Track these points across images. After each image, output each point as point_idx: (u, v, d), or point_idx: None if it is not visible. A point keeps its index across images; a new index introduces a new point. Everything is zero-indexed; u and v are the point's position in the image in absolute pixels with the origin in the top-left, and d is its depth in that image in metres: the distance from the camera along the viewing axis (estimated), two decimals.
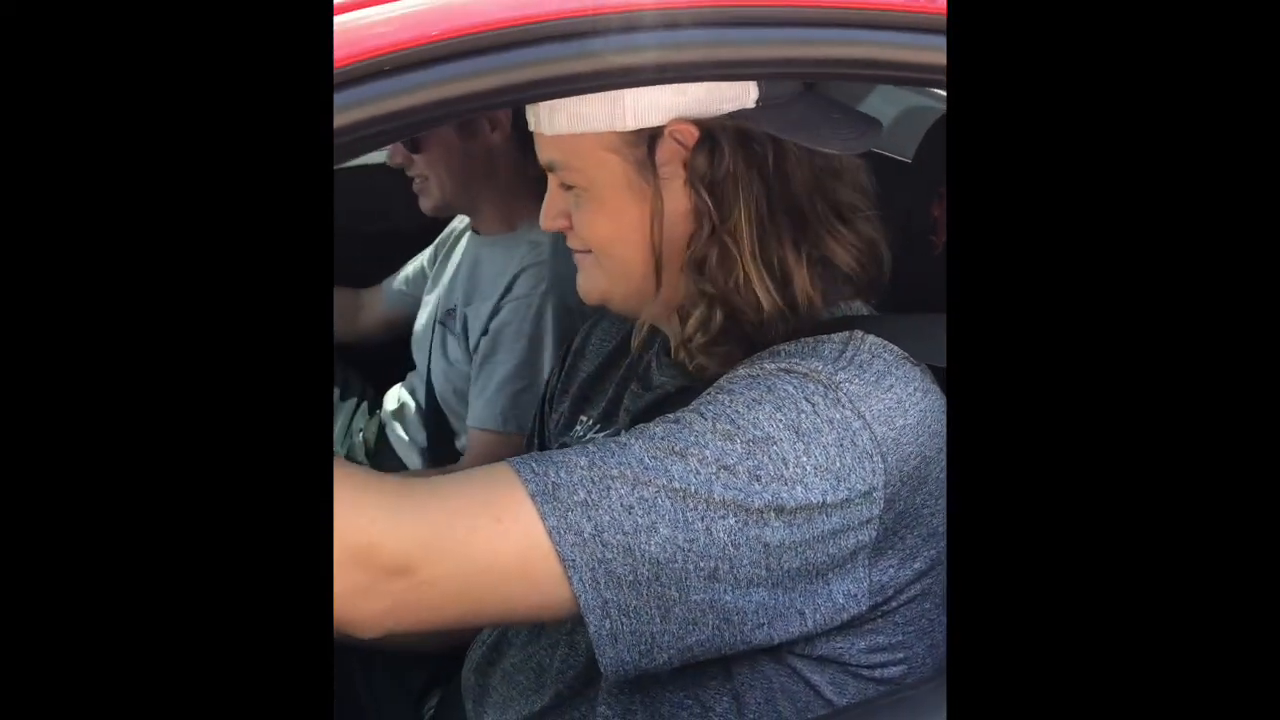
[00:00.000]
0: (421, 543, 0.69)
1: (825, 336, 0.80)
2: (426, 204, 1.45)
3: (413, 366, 1.57)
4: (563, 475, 0.71)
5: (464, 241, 1.54)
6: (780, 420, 0.73)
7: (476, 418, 1.35)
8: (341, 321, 1.70)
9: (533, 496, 0.70)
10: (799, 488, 0.71)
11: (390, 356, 1.65)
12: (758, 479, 0.71)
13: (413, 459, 1.49)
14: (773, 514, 0.71)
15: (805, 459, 0.71)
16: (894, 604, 0.78)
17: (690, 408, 0.76)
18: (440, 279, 1.55)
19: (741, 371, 0.78)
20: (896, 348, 0.79)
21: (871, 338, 0.79)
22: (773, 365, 0.77)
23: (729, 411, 0.73)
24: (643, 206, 0.85)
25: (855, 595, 0.75)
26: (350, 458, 1.55)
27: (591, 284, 0.91)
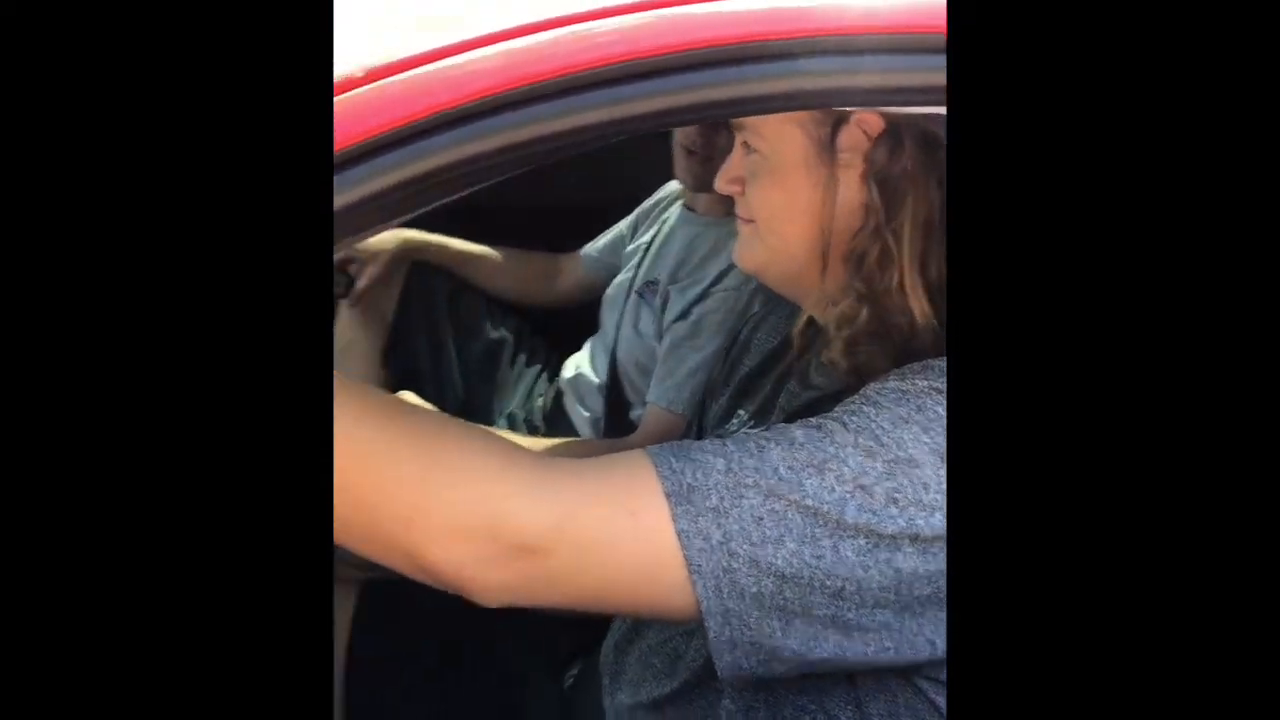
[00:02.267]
0: (553, 525, 0.69)
1: None
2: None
3: (592, 334, 1.61)
4: (699, 477, 0.70)
5: (671, 215, 1.55)
6: (926, 443, 0.71)
7: (660, 396, 1.35)
8: (538, 285, 1.76)
9: (667, 495, 0.69)
10: (937, 515, 0.69)
11: (576, 324, 1.70)
12: (894, 502, 0.69)
13: (585, 428, 1.53)
14: (906, 541, 0.69)
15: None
16: None
17: (834, 415, 0.74)
18: (642, 249, 1.57)
19: (891, 384, 0.76)
20: None
21: None
22: (924, 382, 0.75)
23: (873, 426, 0.72)
24: (816, 188, 0.84)
25: None
26: (528, 422, 1.61)
27: (749, 254, 0.92)
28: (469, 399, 1.67)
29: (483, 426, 0.75)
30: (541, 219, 1.73)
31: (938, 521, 0.69)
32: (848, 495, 0.69)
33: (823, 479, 0.70)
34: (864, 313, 0.82)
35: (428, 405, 1.24)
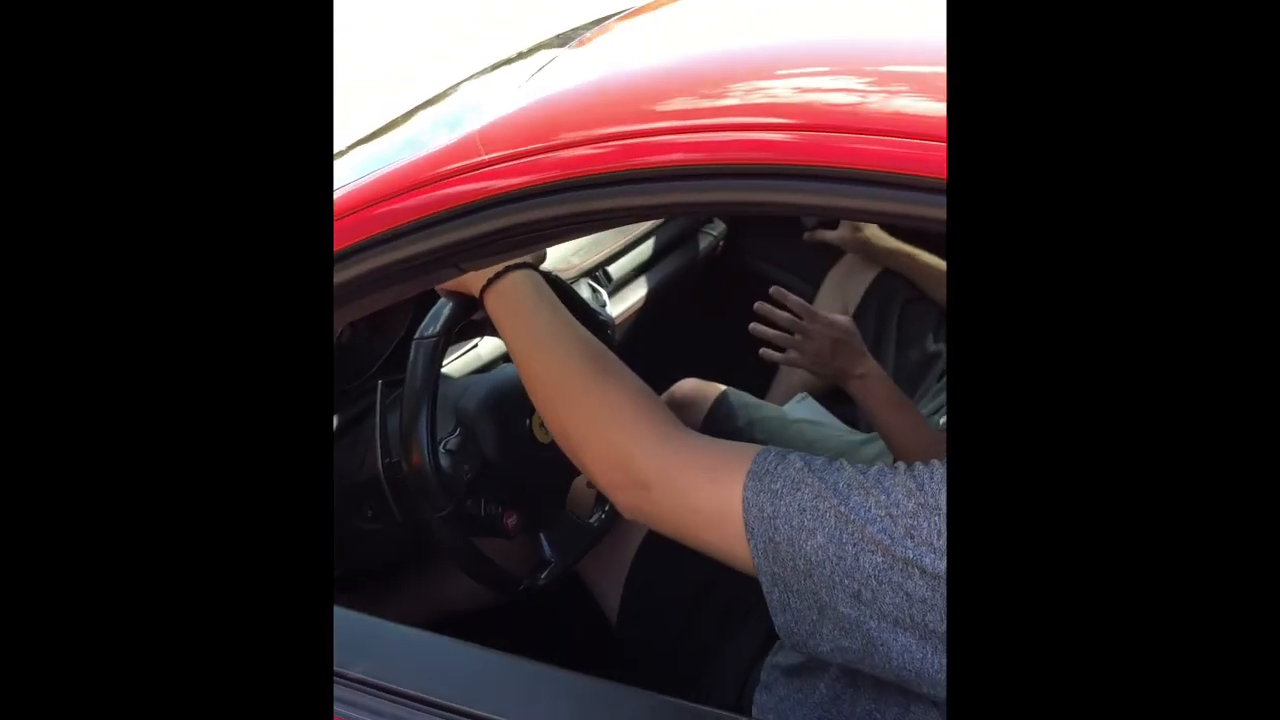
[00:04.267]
0: (660, 471, 0.92)
1: None
2: None
3: None
4: (780, 467, 0.87)
5: None
6: None
7: None
8: None
9: (749, 473, 0.88)
10: (942, 561, 0.78)
11: None
12: (911, 536, 0.80)
13: None
14: (916, 570, 0.79)
15: None
16: None
17: (921, 462, 0.86)
18: None
19: None
20: None
21: None
22: None
23: (926, 476, 0.82)
24: None
25: None
26: None
27: None
28: None
29: (650, 391, 0.98)
30: None
31: (941, 566, 0.78)
32: (877, 516, 0.82)
33: (865, 498, 0.83)
34: None
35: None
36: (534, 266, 1.06)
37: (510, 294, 1.04)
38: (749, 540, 0.85)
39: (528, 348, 1.02)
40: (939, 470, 0.81)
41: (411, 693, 0.83)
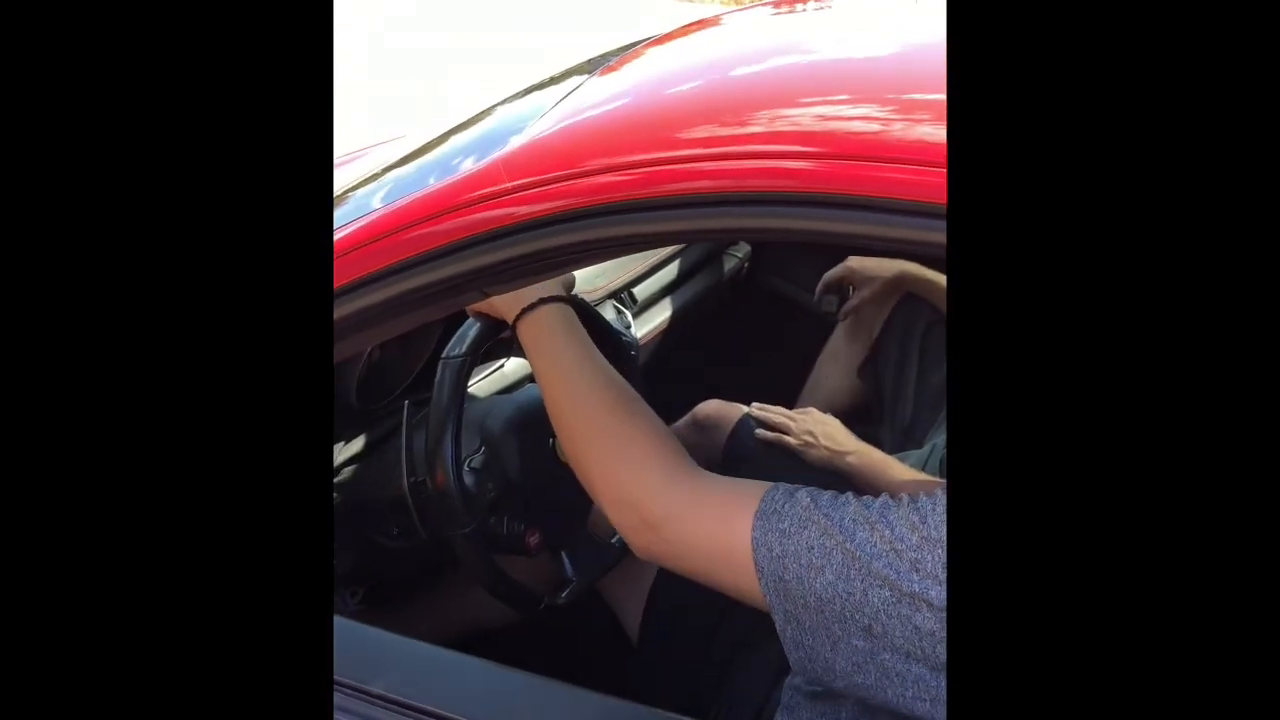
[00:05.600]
0: (671, 512, 0.94)
1: None
2: None
3: None
4: (787, 506, 0.89)
5: None
6: None
7: None
8: None
9: (757, 513, 0.90)
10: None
11: None
12: (916, 570, 0.81)
13: None
14: (923, 604, 0.80)
15: None
16: None
17: (924, 496, 0.87)
18: None
19: None
20: None
21: None
22: None
23: (928, 510, 0.84)
24: None
25: None
26: (944, 459, 1.72)
27: None
28: (913, 422, 1.82)
29: (668, 431, 1.00)
30: None
31: (945, 597, 0.80)
32: (882, 552, 0.83)
33: (870, 533, 0.84)
34: None
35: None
36: (569, 300, 1.09)
37: (543, 324, 1.06)
38: (759, 579, 0.87)
39: (553, 379, 1.04)
40: (941, 502, 0.82)
41: (432, 709, 0.85)
